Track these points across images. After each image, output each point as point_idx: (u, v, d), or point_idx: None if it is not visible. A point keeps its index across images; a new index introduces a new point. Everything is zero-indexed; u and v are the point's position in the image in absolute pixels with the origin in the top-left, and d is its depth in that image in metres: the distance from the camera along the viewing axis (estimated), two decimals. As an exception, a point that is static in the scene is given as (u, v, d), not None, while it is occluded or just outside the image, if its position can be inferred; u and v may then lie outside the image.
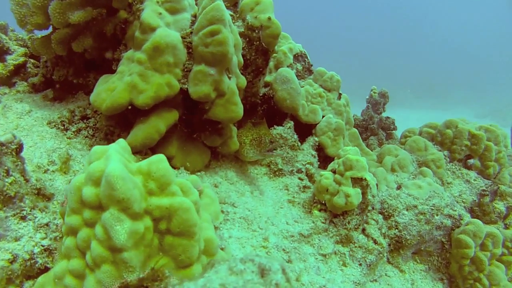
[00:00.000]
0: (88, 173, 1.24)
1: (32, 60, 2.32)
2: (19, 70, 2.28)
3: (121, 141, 1.45)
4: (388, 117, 3.30)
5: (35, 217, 1.49)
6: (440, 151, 2.39)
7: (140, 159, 1.51)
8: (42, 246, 1.42)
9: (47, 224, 1.48)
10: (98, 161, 1.27)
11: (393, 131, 3.30)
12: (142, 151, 1.75)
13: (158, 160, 1.29)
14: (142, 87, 1.67)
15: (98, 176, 1.22)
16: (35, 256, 1.40)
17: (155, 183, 1.29)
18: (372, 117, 3.21)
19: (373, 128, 3.16)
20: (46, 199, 1.62)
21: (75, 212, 1.27)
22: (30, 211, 1.49)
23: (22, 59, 2.28)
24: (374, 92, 3.35)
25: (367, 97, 3.37)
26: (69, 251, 1.28)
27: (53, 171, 1.74)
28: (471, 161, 2.37)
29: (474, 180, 2.34)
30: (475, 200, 2.25)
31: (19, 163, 1.52)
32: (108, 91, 1.74)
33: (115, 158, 1.24)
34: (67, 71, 2.11)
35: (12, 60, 2.27)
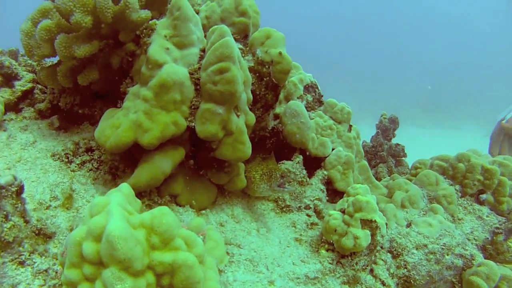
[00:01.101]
0: (88, 229, 1.18)
1: (39, 86, 2.27)
2: (26, 96, 2.24)
3: (124, 187, 1.39)
4: (398, 144, 3.22)
5: (34, 262, 1.43)
6: (451, 185, 2.30)
7: (144, 206, 1.45)
8: (41, 294, 1.37)
9: (46, 270, 1.42)
10: (99, 216, 1.21)
11: (403, 158, 3.22)
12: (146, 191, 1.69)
13: (161, 214, 1.23)
14: (147, 126, 1.61)
15: (99, 233, 1.17)
16: (32, 305, 1.34)
17: (158, 238, 1.23)
18: (381, 144, 3.13)
19: (383, 155, 3.08)
20: (47, 238, 1.57)
21: (74, 266, 1.21)
22: (29, 255, 1.43)
23: (30, 85, 2.24)
24: (384, 118, 3.28)
25: (377, 122, 3.30)
26: (67, 305, 1.22)
27: (55, 207, 1.68)
28: (483, 196, 2.28)
29: (487, 216, 2.25)
30: (488, 238, 2.16)
31: (19, 204, 1.46)
32: (113, 127, 1.68)
33: (116, 213, 1.18)
34: (74, 99, 2.06)
35: (20, 86, 2.22)
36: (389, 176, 2.83)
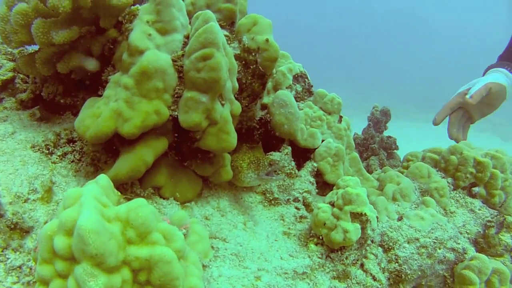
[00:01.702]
0: (60, 222, 1.10)
1: (21, 75, 2.18)
2: (7, 86, 2.14)
3: (101, 178, 1.31)
4: (389, 137, 3.15)
5: (7, 258, 1.35)
6: (443, 178, 2.23)
7: (123, 198, 1.37)
8: (14, 291, 1.28)
9: (20, 267, 1.34)
10: (71, 209, 1.13)
11: (395, 151, 3.15)
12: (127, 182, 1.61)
13: (137, 206, 1.15)
14: (128, 114, 1.53)
15: (71, 227, 1.09)
16: (5, 302, 1.26)
17: (134, 231, 1.15)
18: (373, 136, 3.07)
19: (374, 148, 3.01)
20: (24, 232, 1.48)
21: (46, 262, 1.13)
22: (2, 251, 1.35)
23: (10, 74, 2.14)
24: (376, 110, 3.20)
25: (369, 115, 3.23)
26: (39, 303, 1.14)
27: (34, 200, 1.59)
28: (476, 189, 2.21)
29: (479, 209, 2.18)
30: (480, 232, 2.10)
31: (-7, 197, 1.38)
32: (93, 117, 1.59)
33: (88, 206, 1.10)
34: (57, 89, 1.97)
35: (0, 75, 2.12)
36: (380, 168, 2.76)
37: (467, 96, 2.53)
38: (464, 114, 2.66)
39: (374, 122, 3.17)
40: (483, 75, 2.81)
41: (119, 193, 1.39)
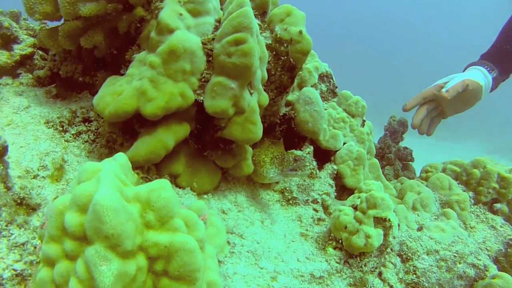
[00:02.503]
0: (74, 196, 0.94)
1: (40, 52, 2.04)
2: (25, 61, 2.00)
3: (120, 156, 1.15)
4: (406, 148, 3.00)
5: (11, 234, 1.19)
6: (464, 191, 2.08)
7: (141, 179, 1.22)
8: (14, 270, 1.13)
9: (23, 244, 1.18)
10: (88, 183, 0.98)
11: (410, 162, 3.01)
12: (144, 166, 1.45)
13: (160, 187, 1.00)
14: (152, 94, 1.38)
15: (85, 202, 0.93)
16: (3, 281, 1.10)
17: (154, 215, 0.99)
18: (389, 146, 2.92)
19: (390, 157, 2.86)
20: (31, 209, 1.33)
21: (54, 240, 0.97)
22: (6, 226, 1.19)
23: (29, 49, 2.00)
24: (394, 120, 3.07)
25: (385, 124, 3.09)
26: (43, 284, 0.98)
27: (43, 177, 1.44)
28: (498, 205, 2.06)
29: (501, 227, 2.03)
30: (501, 250, 1.94)
31: (1, 167, 1.22)
32: (114, 94, 1.45)
33: (107, 181, 0.95)
34: (75, 68, 1.83)
35: (19, 50, 1.98)
36: (395, 179, 2.61)
37: (443, 90, 2.34)
38: (436, 107, 2.44)
39: (391, 132, 3.03)
40: (463, 71, 2.66)
41: (138, 175, 1.24)
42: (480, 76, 2.47)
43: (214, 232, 1.36)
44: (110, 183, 0.93)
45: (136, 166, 1.43)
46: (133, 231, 0.93)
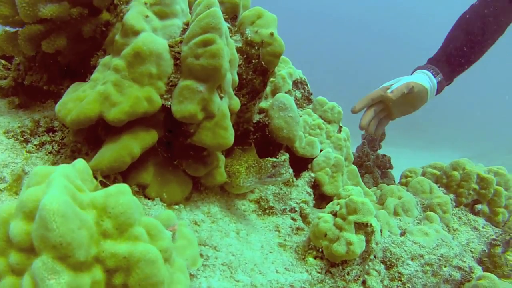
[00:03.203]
0: (20, 202, 0.83)
1: (3, 61, 1.92)
2: (-14, 73, 1.88)
3: (78, 162, 1.05)
4: (384, 155, 2.96)
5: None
6: (445, 194, 2.02)
7: (101, 186, 1.11)
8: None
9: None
10: (37, 187, 0.87)
11: (389, 170, 2.96)
12: (109, 176, 1.34)
13: (118, 192, 0.89)
14: (116, 99, 1.29)
15: (32, 208, 0.82)
16: None
17: (112, 222, 0.89)
18: (368, 154, 2.87)
19: (369, 165, 2.81)
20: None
21: (-1, 253, 0.86)
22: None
23: (-10, 60, 1.88)
24: (371, 128, 3.02)
25: (363, 133, 3.04)
26: (-14, 304, 0.86)
27: (0, 190, 1.32)
28: (479, 206, 2.01)
29: (483, 227, 1.97)
30: (484, 250, 1.88)
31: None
32: (77, 100, 1.35)
33: (58, 184, 0.84)
34: (41, 77, 1.72)
35: (-22, 60, 1.87)
36: (375, 186, 2.54)
37: (388, 91, 2.33)
38: (384, 109, 2.43)
39: (368, 141, 2.98)
40: (411, 74, 2.67)
41: (98, 183, 1.14)
42: (425, 79, 2.50)
43: (184, 244, 1.25)
44: (61, 187, 0.83)
45: (101, 175, 1.32)
46: (87, 240, 0.82)
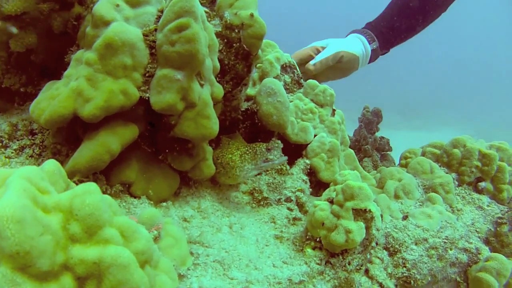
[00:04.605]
0: (-25, 211, 0.75)
1: (-21, 67, 1.84)
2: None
3: (48, 163, 0.97)
4: (382, 137, 2.86)
5: None
6: (447, 173, 1.93)
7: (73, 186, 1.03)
8: None
9: None
10: (-6, 193, 0.79)
11: (388, 152, 2.86)
12: (89, 176, 1.26)
13: (85, 192, 0.81)
14: (89, 94, 1.20)
15: (-12, 215, 0.73)
16: None
17: (79, 225, 0.80)
18: (365, 137, 2.78)
19: (367, 149, 2.71)
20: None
21: (-42, 268, 0.77)
22: None
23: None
24: (367, 111, 2.93)
25: (359, 116, 2.95)
26: None
27: (-22, 200, 1.24)
28: (482, 184, 1.92)
29: (488, 206, 1.88)
30: (491, 230, 1.79)
31: None
32: (50, 99, 1.27)
33: (15, 188, 0.76)
34: (19, 79, 1.63)
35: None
36: (374, 170, 2.45)
37: (311, 63, 2.27)
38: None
39: (365, 123, 2.88)
40: (346, 36, 2.57)
41: (73, 182, 1.05)
42: (359, 46, 2.41)
43: (171, 243, 1.17)
44: (18, 190, 0.75)
45: (80, 175, 1.24)
46: (52, 247, 0.75)
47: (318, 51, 2.35)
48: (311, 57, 2.33)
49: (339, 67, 2.39)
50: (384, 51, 2.63)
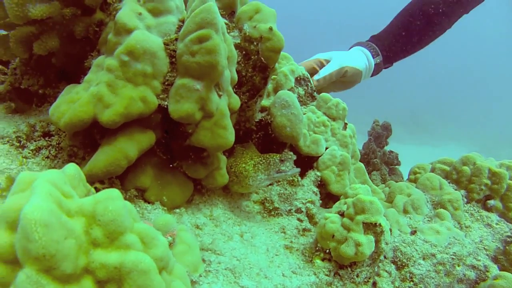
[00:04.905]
0: (2, 211, 0.77)
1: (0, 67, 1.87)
2: (-18, 78, 1.83)
3: (69, 167, 0.98)
4: (391, 151, 2.87)
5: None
6: (456, 190, 1.93)
7: (94, 191, 1.05)
8: None
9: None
10: (20, 195, 0.81)
11: (397, 166, 2.86)
12: (105, 180, 1.28)
13: (108, 198, 0.83)
14: (109, 100, 1.22)
15: (15, 217, 0.76)
16: None
17: (101, 231, 0.82)
18: (374, 150, 2.78)
19: (376, 162, 2.72)
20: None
21: (-17, 267, 0.79)
22: None
23: (-14, 65, 1.83)
24: (377, 125, 2.94)
25: (369, 129, 2.96)
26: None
27: (-4, 197, 1.26)
28: (491, 202, 1.91)
29: (497, 224, 1.88)
30: (499, 248, 1.79)
31: None
32: (70, 102, 1.29)
33: (42, 191, 0.77)
34: (38, 80, 1.66)
35: (-24, 67, 1.82)
36: (383, 184, 2.45)
37: (315, 78, 2.28)
38: None
39: (375, 137, 2.89)
40: (350, 48, 2.57)
41: (93, 188, 1.07)
42: (363, 60, 2.42)
43: (184, 249, 1.18)
44: (44, 194, 0.76)
45: (96, 180, 1.26)
46: (75, 251, 0.76)
47: (322, 64, 2.37)
48: (315, 70, 2.35)
49: (342, 80, 2.41)
50: (387, 65, 2.64)
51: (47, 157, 1.47)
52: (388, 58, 2.55)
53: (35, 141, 1.49)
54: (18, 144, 1.46)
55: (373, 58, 2.46)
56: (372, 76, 2.59)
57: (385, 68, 2.64)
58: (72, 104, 1.27)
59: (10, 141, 1.45)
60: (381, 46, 2.52)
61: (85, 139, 1.39)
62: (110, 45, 1.30)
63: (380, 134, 2.88)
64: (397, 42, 2.56)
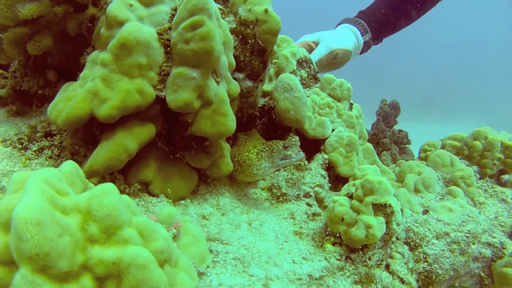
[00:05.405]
0: (-4, 213, 0.75)
1: (0, 71, 1.86)
2: (-16, 83, 1.82)
3: (67, 164, 0.96)
4: (401, 130, 2.80)
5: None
6: (468, 166, 1.86)
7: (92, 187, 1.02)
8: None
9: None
10: (13, 195, 0.79)
11: (407, 145, 2.80)
12: (106, 176, 1.26)
13: (102, 193, 0.80)
14: (105, 94, 1.19)
15: (8, 218, 0.74)
16: None
17: (98, 226, 0.79)
18: (383, 130, 2.72)
19: (385, 142, 2.65)
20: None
21: (-19, 269, 0.77)
22: None
23: (-13, 70, 1.82)
24: (385, 104, 2.86)
25: (376, 109, 2.89)
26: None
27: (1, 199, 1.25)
28: (505, 176, 1.85)
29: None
30: (516, 224, 1.72)
31: None
32: (67, 100, 1.27)
33: (34, 190, 0.75)
34: (38, 82, 1.65)
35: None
36: (393, 163, 2.40)
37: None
38: None
39: (383, 117, 2.81)
40: (336, 26, 2.49)
41: (91, 183, 1.05)
42: (351, 39, 2.35)
43: (190, 241, 1.15)
44: (36, 192, 0.74)
45: (98, 176, 1.23)
46: (71, 248, 0.74)
47: (311, 47, 2.31)
48: None
49: (333, 62, 2.36)
50: (377, 42, 2.57)
51: (50, 157, 1.46)
52: (378, 33, 2.48)
53: (37, 142, 1.48)
54: (20, 146, 1.45)
55: (362, 35, 2.40)
56: (361, 53, 2.53)
57: (374, 44, 2.58)
58: (68, 101, 1.25)
59: (13, 144, 1.44)
60: (369, 22, 2.45)
61: (86, 136, 1.37)
62: (103, 39, 1.27)
63: (388, 114, 2.80)
64: (386, 16, 2.49)
